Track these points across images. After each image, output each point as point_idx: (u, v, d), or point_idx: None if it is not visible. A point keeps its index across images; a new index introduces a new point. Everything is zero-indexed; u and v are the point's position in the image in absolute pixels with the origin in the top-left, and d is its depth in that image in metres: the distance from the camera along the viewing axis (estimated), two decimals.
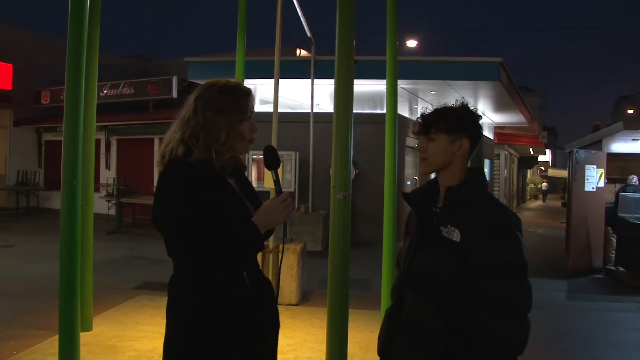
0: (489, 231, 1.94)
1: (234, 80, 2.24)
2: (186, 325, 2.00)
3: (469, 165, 2.15)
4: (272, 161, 2.24)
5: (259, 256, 6.18)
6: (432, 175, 2.22)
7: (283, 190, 2.16)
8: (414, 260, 2.10)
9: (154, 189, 2.06)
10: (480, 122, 2.15)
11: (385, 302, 5.77)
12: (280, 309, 2.25)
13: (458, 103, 2.14)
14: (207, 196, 1.99)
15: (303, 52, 19.31)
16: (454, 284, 1.96)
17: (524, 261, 1.95)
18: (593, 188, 10.54)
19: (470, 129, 2.09)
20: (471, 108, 2.14)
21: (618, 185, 13.03)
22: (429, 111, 2.14)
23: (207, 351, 1.98)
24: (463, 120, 2.08)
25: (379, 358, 2.30)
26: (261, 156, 12.17)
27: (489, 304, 1.91)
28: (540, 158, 40.60)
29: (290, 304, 6.89)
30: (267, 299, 2.18)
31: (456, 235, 1.97)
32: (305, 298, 7.31)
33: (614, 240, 10.51)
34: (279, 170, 2.26)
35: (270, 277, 6.84)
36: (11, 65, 17.95)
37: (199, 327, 1.99)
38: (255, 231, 2.03)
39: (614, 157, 12.83)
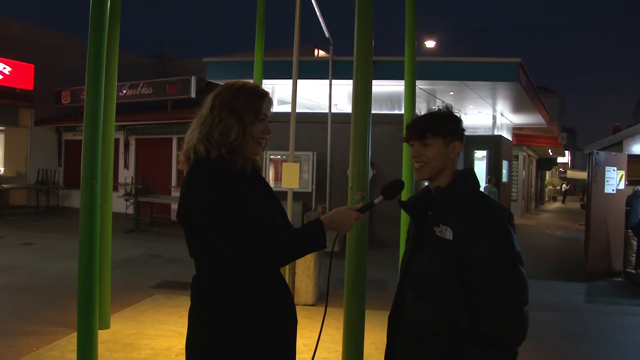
0: (480, 226, 1.99)
1: (253, 82, 2.25)
2: (213, 326, 2.01)
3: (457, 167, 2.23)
4: (391, 193, 2.24)
5: None
6: (426, 183, 2.29)
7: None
8: (411, 262, 2.17)
9: (182, 187, 2.05)
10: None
11: None
12: (297, 309, 2.25)
13: (442, 107, 2.21)
14: (243, 191, 2.02)
15: (321, 53, 19.32)
16: (452, 281, 2.01)
17: (516, 253, 1.99)
18: (613, 190, 10.42)
19: (459, 132, 2.18)
20: (456, 112, 2.23)
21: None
22: (419, 117, 2.20)
23: (234, 352, 1.99)
24: (453, 123, 2.16)
25: None
26: (279, 156, 12.22)
27: (485, 296, 1.96)
28: (559, 159, 40.16)
29: (306, 304, 6.89)
30: (287, 296, 2.19)
31: (449, 234, 2.03)
32: (321, 298, 7.30)
33: (635, 243, 10.38)
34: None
35: (285, 278, 6.84)
36: (32, 65, 18.16)
37: (226, 327, 2.00)
38: (321, 228, 2.05)
39: (635, 159, 12.65)
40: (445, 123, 2.15)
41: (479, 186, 2.20)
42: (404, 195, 5.88)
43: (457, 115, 2.21)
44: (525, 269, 2.02)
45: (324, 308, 2.25)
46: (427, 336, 2.04)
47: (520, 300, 1.96)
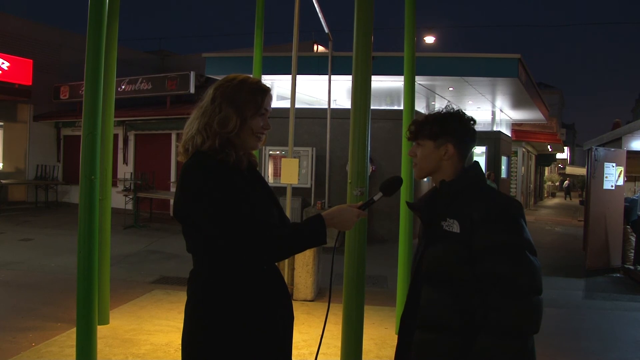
0: (485, 215, 1.99)
1: (254, 77, 2.25)
2: (209, 320, 2.00)
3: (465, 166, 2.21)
4: (390, 190, 2.25)
5: None
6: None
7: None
8: (422, 260, 2.17)
9: (178, 181, 2.05)
10: (471, 125, 2.22)
11: (401, 298, 5.74)
12: (296, 304, 2.26)
13: (446, 108, 2.22)
14: (239, 185, 2.01)
15: (320, 48, 19.29)
16: (464, 274, 2.01)
17: (523, 240, 1.98)
18: (612, 186, 10.42)
19: (455, 134, 2.16)
20: (460, 113, 2.21)
21: (638, 184, 12.89)
22: (420, 118, 2.24)
23: (229, 346, 1.99)
24: (446, 126, 2.16)
25: (394, 355, 2.32)
26: (278, 152, 12.20)
27: (493, 284, 1.95)
28: (558, 155, 40.18)
29: (305, 300, 6.88)
30: (284, 292, 2.19)
31: (456, 226, 2.04)
32: (320, 294, 7.30)
33: (633, 239, 10.39)
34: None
35: (285, 273, 6.85)
36: (31, 60, 18.12)
37: (222, 321, 1.99)
38: (322, 224, 2.04)
39: (634, 155, 12.66)
40: (434, 125, 2.16)
41: (485, 180, 2.19)
42: (403, 192, 5.90)
43: (460, 116, 2.19)
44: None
45: (322, 304, 2.26)
46: (442, 330, 2.04)
47: (529, 289, 1.93)
